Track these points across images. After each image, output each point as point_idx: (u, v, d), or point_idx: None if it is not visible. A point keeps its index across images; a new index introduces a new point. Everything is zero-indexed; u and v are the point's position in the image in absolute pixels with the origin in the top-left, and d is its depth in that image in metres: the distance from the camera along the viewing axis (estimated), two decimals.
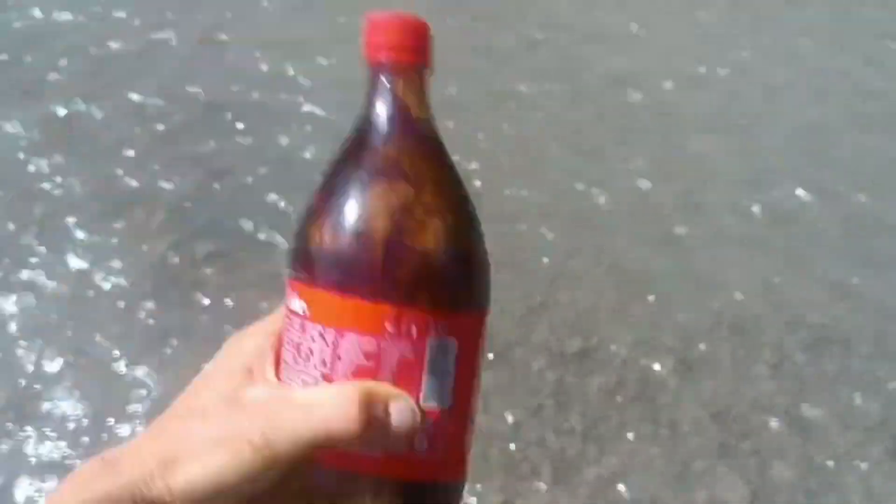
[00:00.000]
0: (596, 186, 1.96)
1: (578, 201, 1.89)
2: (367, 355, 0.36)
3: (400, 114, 0.40)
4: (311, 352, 0.37)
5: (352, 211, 0.37)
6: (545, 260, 1.73)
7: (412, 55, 0.39)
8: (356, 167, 0.38)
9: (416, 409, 0.36)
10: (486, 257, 0.40)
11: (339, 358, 0.36)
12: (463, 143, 2.07)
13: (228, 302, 1.58)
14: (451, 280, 0.37)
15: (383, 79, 0.39)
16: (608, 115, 2.25)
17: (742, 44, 2.84)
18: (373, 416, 0.35)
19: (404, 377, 0.36)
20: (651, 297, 1.67)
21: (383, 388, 0.36)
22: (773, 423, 1.46)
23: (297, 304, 0.37)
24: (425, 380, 0.36)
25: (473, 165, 1.99)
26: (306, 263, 0.37)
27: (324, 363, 0.36)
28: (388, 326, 0.35)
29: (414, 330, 0.36)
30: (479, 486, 1.33)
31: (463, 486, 0.39)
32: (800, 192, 2.07)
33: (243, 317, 1.55)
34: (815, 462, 1.42)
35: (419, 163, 0.39)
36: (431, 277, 0.36)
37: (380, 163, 0.39)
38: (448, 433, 0.37)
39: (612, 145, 2.07)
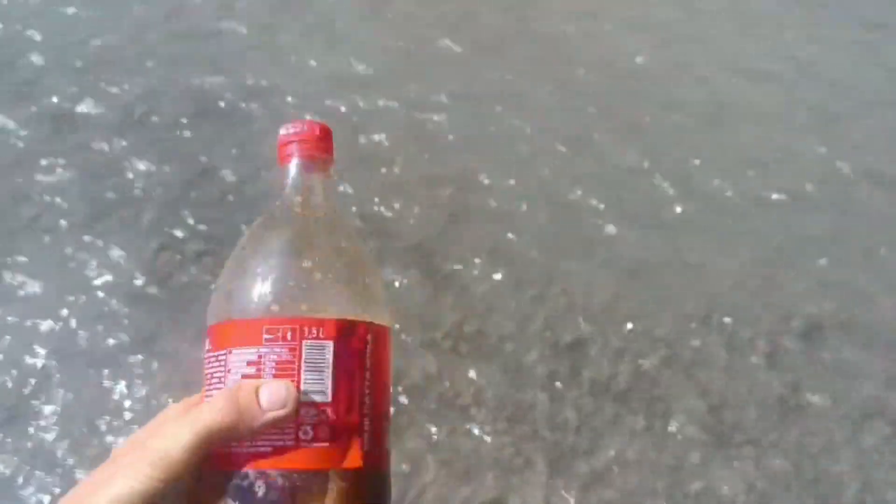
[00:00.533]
0: (589, 177, 1.95)
1: (572, 193, 1.88)
2: (250, 363, 0.41)
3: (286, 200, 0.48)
4: (212, 376, 0.42)
5: (237, 261, 0.45)
6: (538, 253, 1.72)
7: (314, 150, 0.48)
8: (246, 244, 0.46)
9: (291, 389, 0.39)
10: (363, 278, 0.46)
11: (229, 371, 0.41)
12: (457, 138, 2.07)
13: None
14: (318, 293, 0.43)
15: (287, 170, 0.49)
16: (599, 103, 2.24)
17: (728, 33, 2.83)
18: (241, 404, 0.38)
19: (284, 375, 0.41)
20: (644, 289, 1.67)
21: (254, 381, 0.40)
22: (769, 414, 1.46)
23: (206, 345, 0.44)
24: (304, 377, 0.41)
25: (466, 158, 1.98)
26: (210, 313, 0.45)
27: (220, 381, 0.42)
28: (266, 335, 0.41)
29: (289, 335, 0.41)
30: (471, 481, 1.32)
31: (371, 476, 0.42)
32: (795, 183, 2.06)
33: None
34: (810, 452, 1.41)
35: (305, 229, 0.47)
36: (300, 291, 0.43)
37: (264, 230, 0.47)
38: (333, 423, 0.40)
39: (604, 134, 2.06)
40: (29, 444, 1.31)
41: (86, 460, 1.29)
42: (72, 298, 1.55)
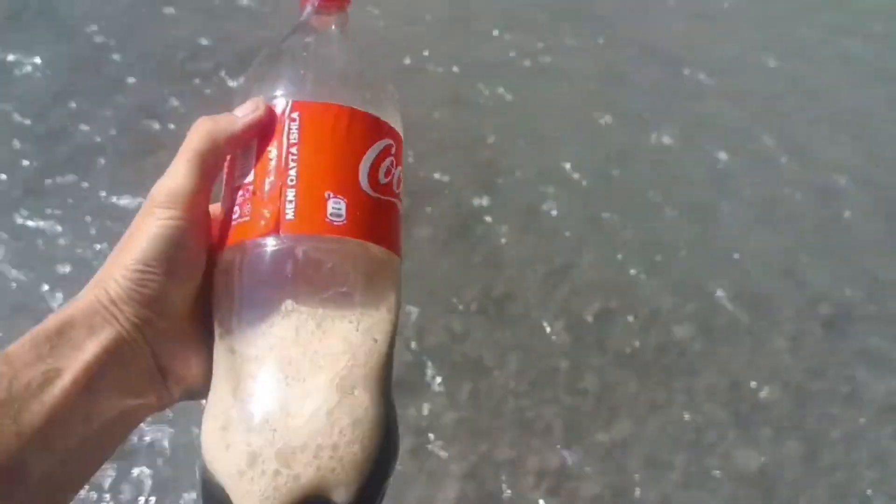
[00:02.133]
0: (623, 150, 1.94)
1: (604, 166, 1.88)
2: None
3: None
4: None
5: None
6: (569, 223, 1.72)
7: None
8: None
9: (259, 101, 0.44)
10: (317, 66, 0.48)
11: None
12: (495, 103, 2.06)
13: None
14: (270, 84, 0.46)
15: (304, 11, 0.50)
16: (638, 78, 2.21)
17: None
18: (218, 119, 0.44)
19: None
20: (674, 266, 1.66)
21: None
22: (789, 397, 1.46)
23: None
24: (236, 164, 0.45)
25: (491, 138, 1.97)
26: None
27: None
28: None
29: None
30: (490, 439, 1.34)
31: (295, 239, 0.43)
32: (834, 173, 2.03)
33: None
34: (828, 437, 1.42)
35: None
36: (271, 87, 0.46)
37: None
38: (252, 200, 0.43)
39: (643, 109, 2.05)
40: None
41: None
42: (105, 238, 1.58)
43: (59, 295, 1.45)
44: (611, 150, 1.94)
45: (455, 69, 2.16)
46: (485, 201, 1.74)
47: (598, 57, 2.31)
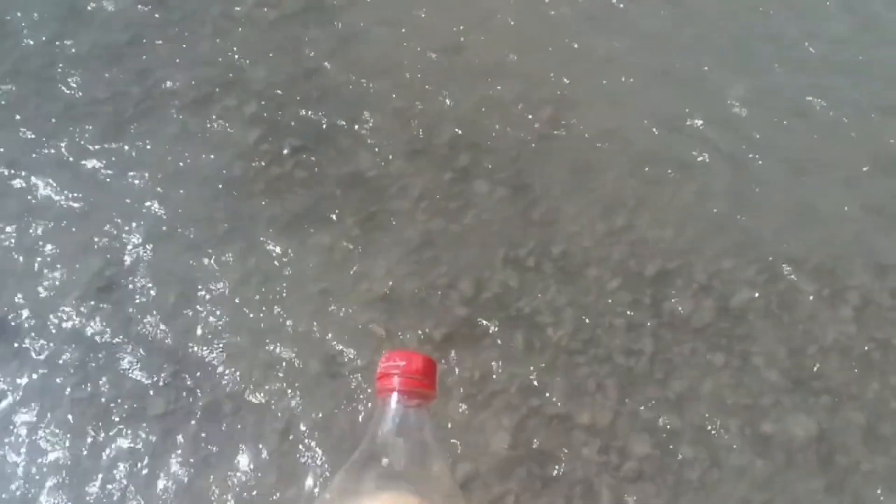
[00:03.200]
0: (688, 109, 1.88)
1: (668, 125, 1.82)
2: None
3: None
4: None
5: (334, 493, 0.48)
6: (630, 181, 1.70)
7: (416, 386, 0.47)
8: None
9: None
10: None
11: None
12: (557, 59, 2.01)
13: (309, 198, 1.61)
14: None
15: (385, 404, 0.47)
16: (711, 36, 2.13)
17: None
18: None
19: None
20: (737, 227, 1.63)
21: None
22: (850, 366, 1.43)
23: None
24: None
25: (563, 80, 1.93)
26: None
27: None
28: None
29: None
30: (540, 394, 1.35)
31: None
32: None
33: (322, 214, 1.55)
34: (889, 408, 1.39)
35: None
36: None
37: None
38: None
39: (712, 68, 1.98)
40: (116, 318, 1.40)
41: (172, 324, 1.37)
42: (167, 181, 1.62)
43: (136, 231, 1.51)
44: (676, 107, 1.89)
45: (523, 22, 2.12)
46: (543, 156, 1.72)
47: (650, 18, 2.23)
